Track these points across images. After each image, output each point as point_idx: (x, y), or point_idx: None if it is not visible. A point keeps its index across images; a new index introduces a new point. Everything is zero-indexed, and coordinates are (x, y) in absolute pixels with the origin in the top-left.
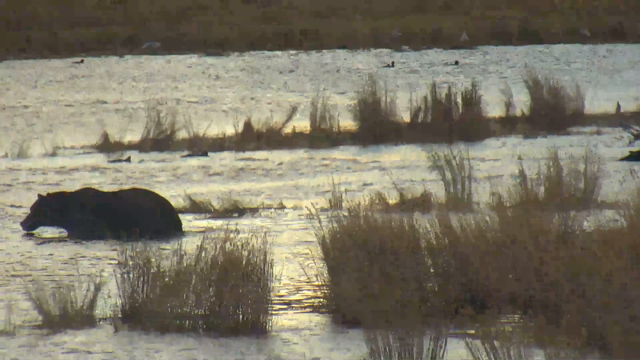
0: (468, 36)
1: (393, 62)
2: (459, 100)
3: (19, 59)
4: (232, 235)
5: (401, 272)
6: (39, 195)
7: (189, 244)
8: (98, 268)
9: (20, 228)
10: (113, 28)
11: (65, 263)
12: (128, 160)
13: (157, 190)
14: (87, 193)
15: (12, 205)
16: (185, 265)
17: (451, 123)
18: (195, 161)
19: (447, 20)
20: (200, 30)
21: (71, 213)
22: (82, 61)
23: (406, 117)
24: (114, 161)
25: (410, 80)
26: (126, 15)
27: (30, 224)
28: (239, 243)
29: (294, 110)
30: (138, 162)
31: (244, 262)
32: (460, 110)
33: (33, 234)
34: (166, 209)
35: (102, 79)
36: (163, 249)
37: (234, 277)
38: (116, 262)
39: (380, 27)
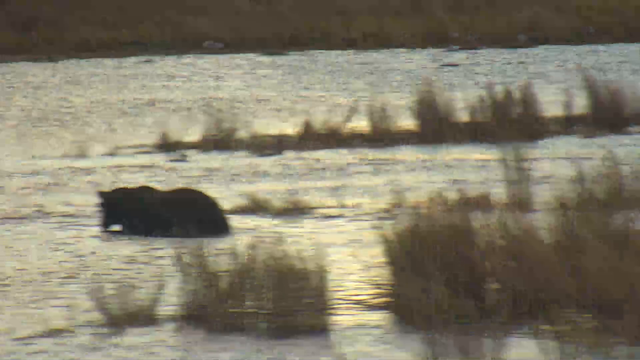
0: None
1: (455, 63)
2: (517, 99)
3: (80, 58)
4: (293, 236)
5: (462, 272)
6: (98, 193)
7: (249, 244)
8: (159, 267)
9: (83, 227)
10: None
11: (126, 262)
12: (186, 159)
13: (215, 190)
14: (145, 191)
15: (69, 205)
16: (246, 265)
17: (510, 122)
18: (254, 160)
19: (507, 20)
20: (258, 30)
21: (129, 211)
22: (150, 60)
23: (465, 117)
24: (173, 160)
25: (470, 79)
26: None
27: (103, 223)
28: (299, 243)
29: (353, 109)
30: (196, 161)
31: (304, 262)
32: (519, 110)
33: (110, 231)
34: (219, 209)
35: (162, 78)
36: (222, 248)
37: (295, 277)
38: (176, 260)
39: (438, 26)
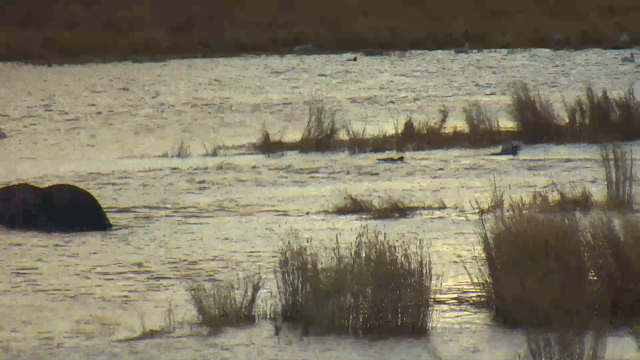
0: (629, 36)
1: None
2: (617, 100)
3: (195, 57)
4: (392, 236)
5: (561, 272)
6: None
7: (348, 245)
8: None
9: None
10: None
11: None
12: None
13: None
14: (25, 188)
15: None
16: (346, 264)
17: (611, 123)
18: (351, 160)
19: (608, 22)
20: (356, 31)
21: (12, 207)
22: (355, 59)
23: (565, 118)
24: (386, 160)
25: (573, 80)
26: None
27: None
28: (399, 242)
29: (451, 110)
30: (296, 160)
31: (402, 263)
32: (619, 111)
33: None
34: (94, 203)
35: (262, 78)
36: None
37: (393, 278)
38: (277, 261)
39: (542, 28)
